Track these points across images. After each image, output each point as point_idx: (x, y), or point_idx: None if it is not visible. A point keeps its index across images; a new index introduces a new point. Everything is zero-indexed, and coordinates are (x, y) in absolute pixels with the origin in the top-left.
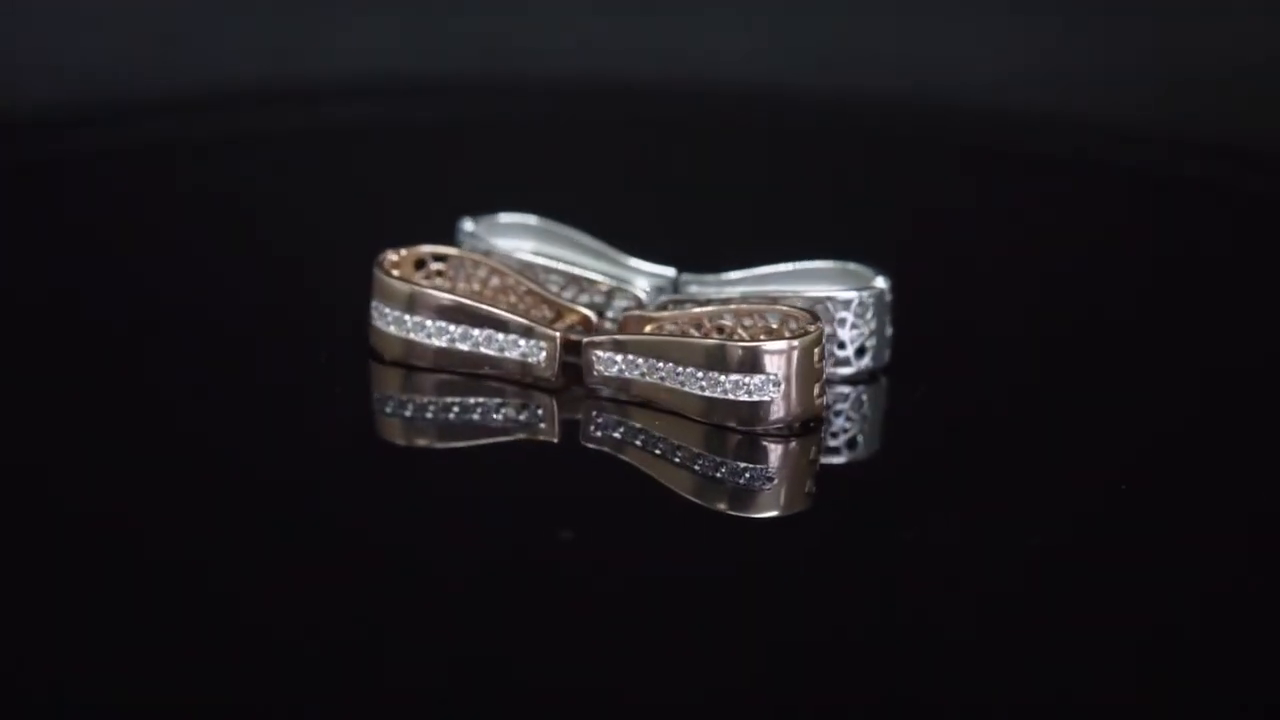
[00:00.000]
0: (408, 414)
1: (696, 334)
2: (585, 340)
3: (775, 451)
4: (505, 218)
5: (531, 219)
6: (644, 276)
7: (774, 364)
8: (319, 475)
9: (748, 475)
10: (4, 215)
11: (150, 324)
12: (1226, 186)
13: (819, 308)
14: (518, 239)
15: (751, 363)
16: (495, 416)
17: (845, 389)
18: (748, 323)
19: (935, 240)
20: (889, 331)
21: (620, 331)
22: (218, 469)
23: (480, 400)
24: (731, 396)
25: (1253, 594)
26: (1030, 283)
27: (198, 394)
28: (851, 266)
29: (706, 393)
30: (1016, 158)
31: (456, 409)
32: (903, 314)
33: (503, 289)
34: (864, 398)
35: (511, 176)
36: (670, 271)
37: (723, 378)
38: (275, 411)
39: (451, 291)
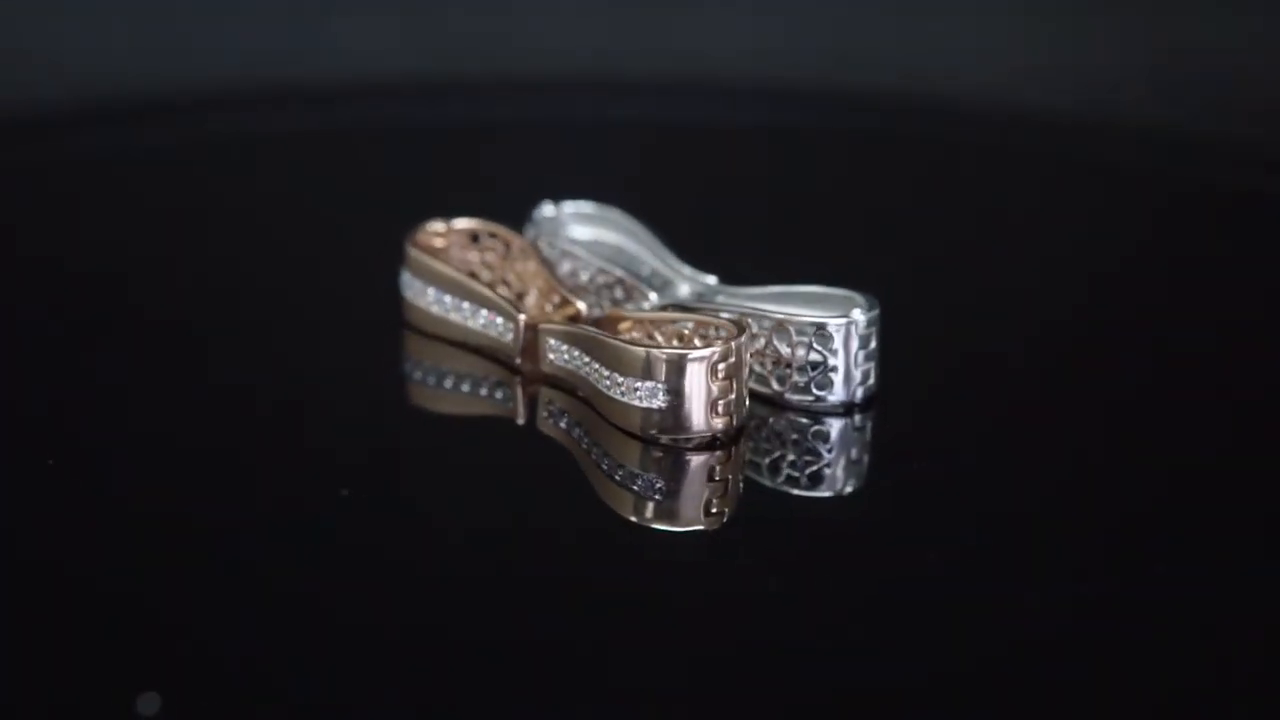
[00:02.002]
0: (412, 377)
1: (659, 337)
2: (539, 326)
3: (677, 463)
4: (583, 206)
5: (603, 210)
6: (686, 281)
7: (661, 372)
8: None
9: (640, 483)
10: (69, 208)
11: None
12: (1228, 188)
13: (778, 330)
14: (587, 227)
15: (641, 367)
16: (481, 391)
17: (803, 418)
18: (703, 332)
19: (970, 266)
20: (862, 367)
21: (601, 325)
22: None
23: (467, 371)
24: (626, 400)
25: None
26: (1053, 306)
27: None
28: (842, 293)
29: (609, 392)
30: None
31: (451, 379)
32: (909, 344)
33: (532, 273)
34: (809, 426)
35: (602, 173)
36: (711, 279)
37: (621, 379)
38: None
39: (494, 267)
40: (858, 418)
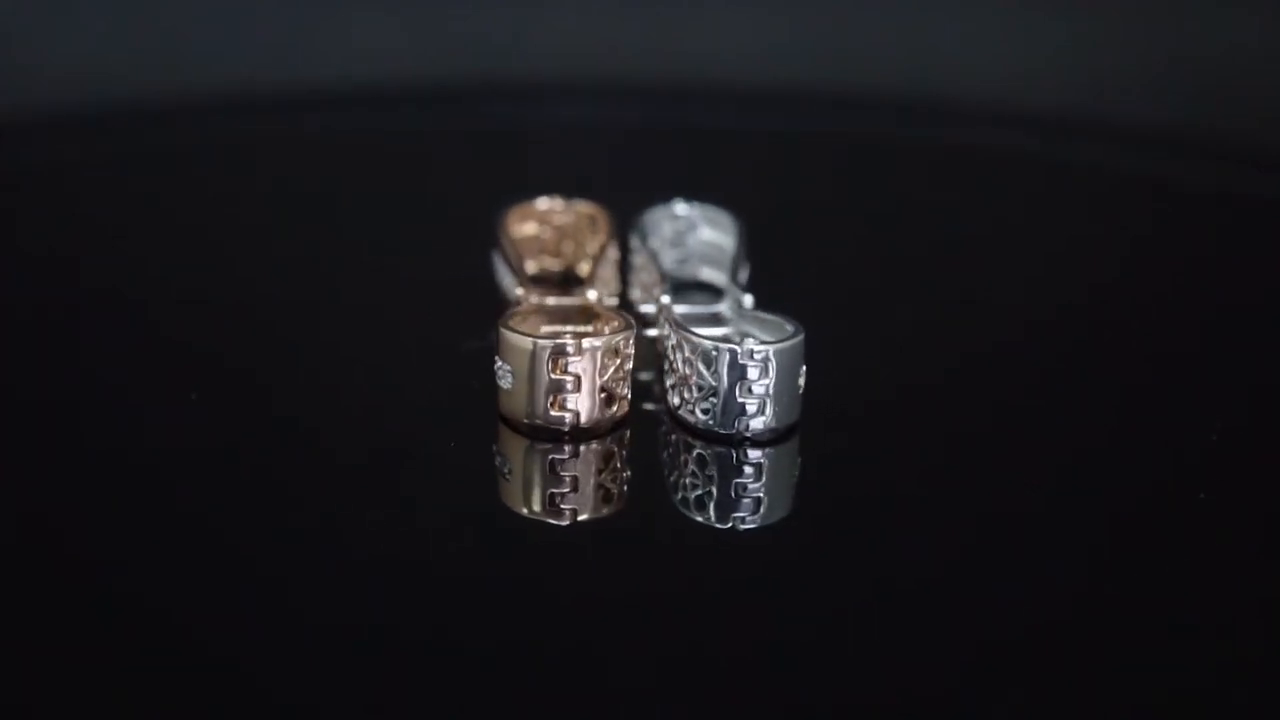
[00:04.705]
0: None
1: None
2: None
3: (533, 452)
4: (705, 209)
5: (719, 213)
6: (729, 296)
7: (508, 353)
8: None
9: (498, 460)
10: (142, 212)
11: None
12: (1228, 188)
13: (678, 348)
14: (709, 229)
15: (500, 348)
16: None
17: (690, 437)
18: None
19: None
20: (754, 399)
21: (583, 313)
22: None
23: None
24: (496, 379)
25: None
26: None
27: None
28: (776, 319)
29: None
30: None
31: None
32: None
33: (602, 258)
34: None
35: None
36: (748, 299)
37: (496, 356)
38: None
39: (583, 245)
40: (751, 451)
